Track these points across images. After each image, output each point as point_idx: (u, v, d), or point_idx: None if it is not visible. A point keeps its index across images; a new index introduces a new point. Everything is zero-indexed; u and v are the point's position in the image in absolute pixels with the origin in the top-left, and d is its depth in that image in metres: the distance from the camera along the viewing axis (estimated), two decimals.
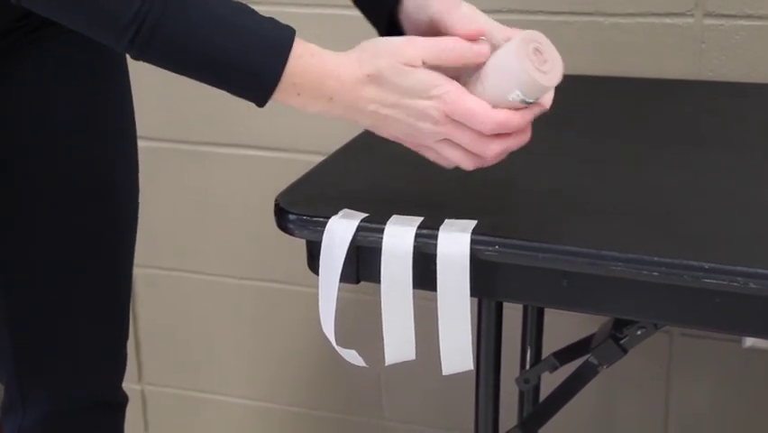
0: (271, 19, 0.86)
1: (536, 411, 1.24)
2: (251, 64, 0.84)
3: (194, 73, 0.85)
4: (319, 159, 1.12)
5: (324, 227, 0.91)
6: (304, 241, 0.96)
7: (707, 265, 0.82)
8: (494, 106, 0.85)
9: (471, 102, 0.85)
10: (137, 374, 1.91)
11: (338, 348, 0.92)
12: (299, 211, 0.95)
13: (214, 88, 0.86)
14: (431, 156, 0.90)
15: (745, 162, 1.08)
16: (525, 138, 0.88)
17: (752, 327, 0.88)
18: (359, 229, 0.91)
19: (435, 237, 0.88)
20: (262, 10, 0.86)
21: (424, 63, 0.85)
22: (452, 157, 0.89)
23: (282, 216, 0.96)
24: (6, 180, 1.11)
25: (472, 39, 0.87)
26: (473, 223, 0.89)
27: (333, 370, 1.77)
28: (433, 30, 0.91)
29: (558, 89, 0.88)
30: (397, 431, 1.77)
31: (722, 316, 0.85)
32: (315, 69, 0.85)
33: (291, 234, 0.95)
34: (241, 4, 0.85)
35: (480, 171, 0.90)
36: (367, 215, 0.92)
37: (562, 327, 1.40)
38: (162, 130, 1.73)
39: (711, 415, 1.56)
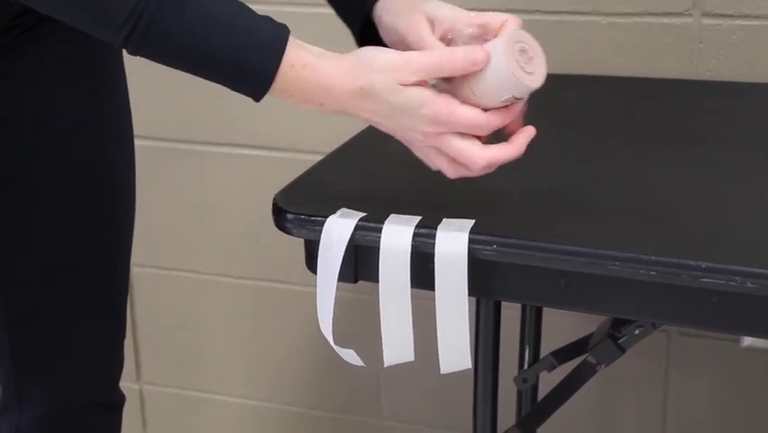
0: (267, 18, 0.86)
1: (535, 411, 1.24)
2: (246, 63, 0.84)
3: (189, 69, 0.86)
4: (317, 158, 1.12)
5: (322, 227, 0.91)
6: (302, 240, 0.96)
7: (704, 265, 0.82)
8: (485, 109, 0.86)
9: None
10: (135, 374, 1.91)
11: (336, 348, 0.92)
12: (297, 210, 0.95)
13: (212, 87, 0.87)
14: (419, 155, 0.91)
15: (743, 162, 1.08)
16: (515, 152, 0.88)
17: (749, 327, 0.89)
18: (357, 228, 0.91)
19: (433, 236, 0.88)
20: (261, 9, 0.86)
21: (421, 80, 0.86)
22: (438, 163, 0.90)
23: (280, 215, 0.96)
24: (6, 180, 1.11)
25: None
26: (471, 222, 0.89)
27: (331, 369, 1.77)
28: (408, 30, 0.92)
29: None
30: (395, 431, 1.77)
31: (720, 315, 0.85)
32: (308, 80, 0.86)
33: (289, 233, 0.95)
34: (237, 2, 0.86)
35: None
36: (365, 214, 0.92)
37: (561, 326, 1.40)
38: (160, 129, 1.73)
39: (709, 414, 1.56)
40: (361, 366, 0.95)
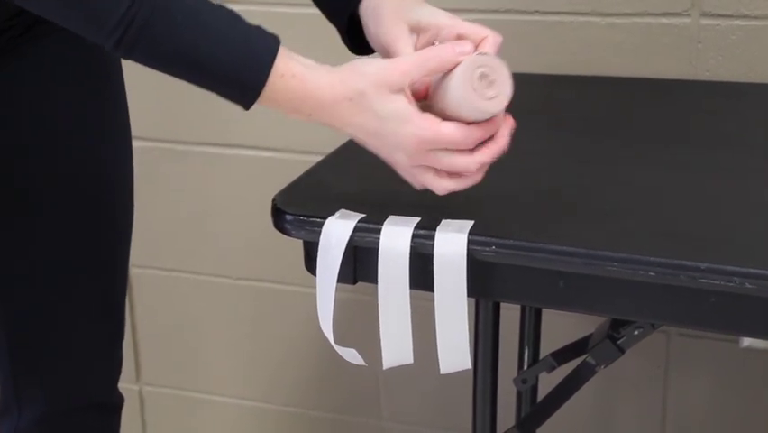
0: (259, 27, 0.86)
1: (534, 412, 1.24)
2: (236, 72, 0.85)
3: (179, 74, 0.86)
4: (316, 159, 1.12)
5: (321, 228, 0.91)
6: (301, 241, 0.96)
7: (703, 265, 0.82)
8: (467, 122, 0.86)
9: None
10: (135, 374, 1.91)
11: (337, 347, 0.92)
12: (296, 211, 0.95)
13: None
14: (404, 176, 0.91)
15: (742, 162, 1.08)
16: (500, 146, 0.88)
17: (748, 327, 0.89)
18: (356, 229, 0.91)
19: (432, 238, 0.88)
20: (258, 10, 0.86)
21: (412, 83, 0.86)
22: (424, 181, 0.90)
23: (279, 216, 0.96)
24: (6, 180, 1.11)
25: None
26: (470, 223, 0.89)
27: (330, 370, 1.77)
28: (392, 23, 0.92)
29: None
30: (394, 431, 1.77)
31: (718, 316, 0.86)
32: (296, 90, 0.86)
33: (288, 234, 0.95)
34: (228, 10, 0.86)
35: None
36: (364, 215, 0.92)
37: (560, 327, 1.40)
38: (159, 130, 1.73)
39: (709, 414, 1.56)
40: (361, 367, 0.95)
